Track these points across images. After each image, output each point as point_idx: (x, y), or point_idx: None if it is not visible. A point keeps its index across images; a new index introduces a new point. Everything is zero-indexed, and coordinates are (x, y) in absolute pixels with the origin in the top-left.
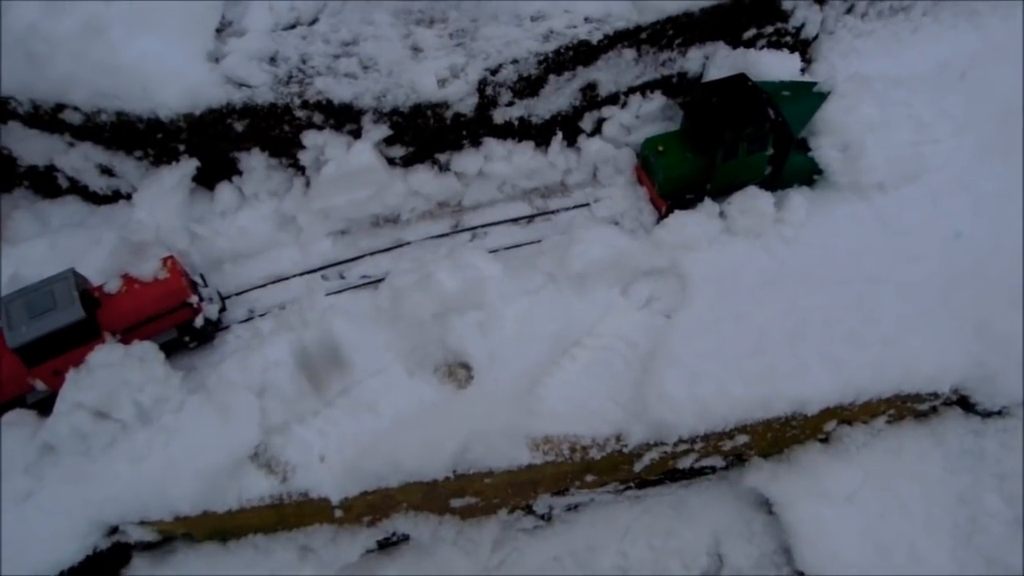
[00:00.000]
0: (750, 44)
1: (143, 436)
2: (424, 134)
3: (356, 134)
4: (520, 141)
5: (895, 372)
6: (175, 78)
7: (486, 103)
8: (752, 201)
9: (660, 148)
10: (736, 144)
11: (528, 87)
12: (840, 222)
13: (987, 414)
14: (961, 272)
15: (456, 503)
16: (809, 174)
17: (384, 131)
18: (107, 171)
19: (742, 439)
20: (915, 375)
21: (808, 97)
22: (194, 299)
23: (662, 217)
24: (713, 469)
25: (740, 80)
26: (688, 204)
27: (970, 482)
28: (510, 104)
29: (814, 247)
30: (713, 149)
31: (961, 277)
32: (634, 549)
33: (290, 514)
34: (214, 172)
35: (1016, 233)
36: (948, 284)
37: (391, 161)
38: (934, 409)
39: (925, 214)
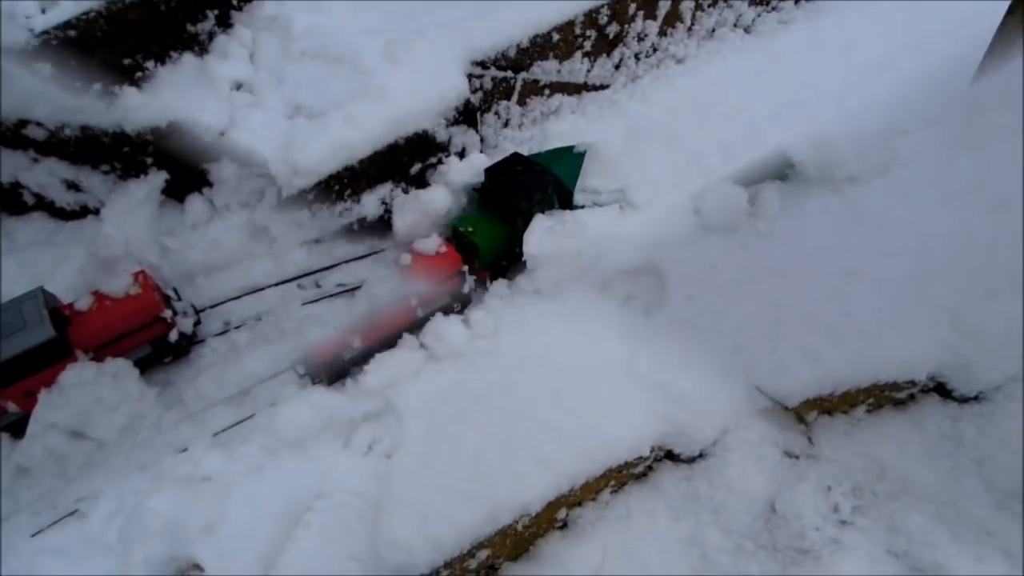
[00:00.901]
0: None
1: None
2: None
3: None
4: None
5: (872, 363)
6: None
7: None
8: (726, 196)
9: (470, 229)
10: (531, 210)
11: None
12: (813, 216)
13: (964, 400)
14: (934, 263)
15: None
16: None
17: None
18: (73, 186)
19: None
20: (892, 365)
21: (570, 157)
22: (167, 313)
23: (487, 285)
24: None
25: (516, 157)
26: (503, 271)
27: (949, 467)
28: None
29: (788, 242)
30: (514, 218)
31: (934, 268)
32: None
33: None
34: (183, 184)
35: (988, 222)
36: (921, 275)
37: None
38: (912, 397)
39: (897, 207)
